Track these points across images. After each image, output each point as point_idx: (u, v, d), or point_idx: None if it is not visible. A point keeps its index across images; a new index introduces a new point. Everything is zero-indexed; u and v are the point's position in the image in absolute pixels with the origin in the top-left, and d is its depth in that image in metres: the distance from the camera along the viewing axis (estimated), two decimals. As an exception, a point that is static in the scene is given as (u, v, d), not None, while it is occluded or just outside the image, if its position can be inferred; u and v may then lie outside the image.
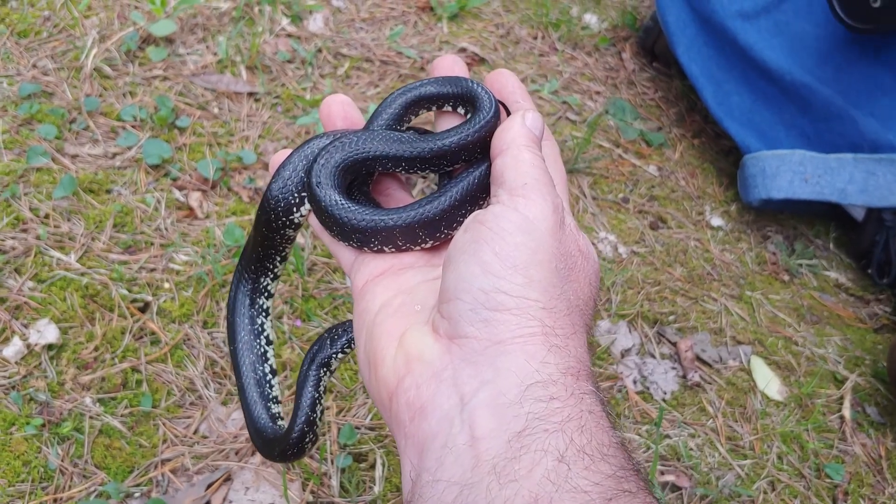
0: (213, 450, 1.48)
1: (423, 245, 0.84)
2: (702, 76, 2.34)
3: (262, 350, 1.05)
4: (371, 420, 1.57)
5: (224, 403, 1.55)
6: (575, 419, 0.64)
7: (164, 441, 1.48)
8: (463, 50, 2.49)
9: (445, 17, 2.59)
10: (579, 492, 0.59)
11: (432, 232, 0.82)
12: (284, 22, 2.38)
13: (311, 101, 2.20)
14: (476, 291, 0.70)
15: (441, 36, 2.53)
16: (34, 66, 2.07)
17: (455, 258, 0.74)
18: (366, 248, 0.84)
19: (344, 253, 0.88)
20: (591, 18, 2.76)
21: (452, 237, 0.78)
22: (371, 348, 0.78)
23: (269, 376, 1.05)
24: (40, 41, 2.14)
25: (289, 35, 2.37)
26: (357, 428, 1.55)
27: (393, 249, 0.83)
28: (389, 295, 0.82)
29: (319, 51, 2.33)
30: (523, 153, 0.77)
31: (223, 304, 1.70)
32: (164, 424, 1.50)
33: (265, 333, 1.05)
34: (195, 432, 1.51)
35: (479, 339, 0.69)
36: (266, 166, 2.02)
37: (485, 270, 0.71)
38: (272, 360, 1.06)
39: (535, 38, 2.64)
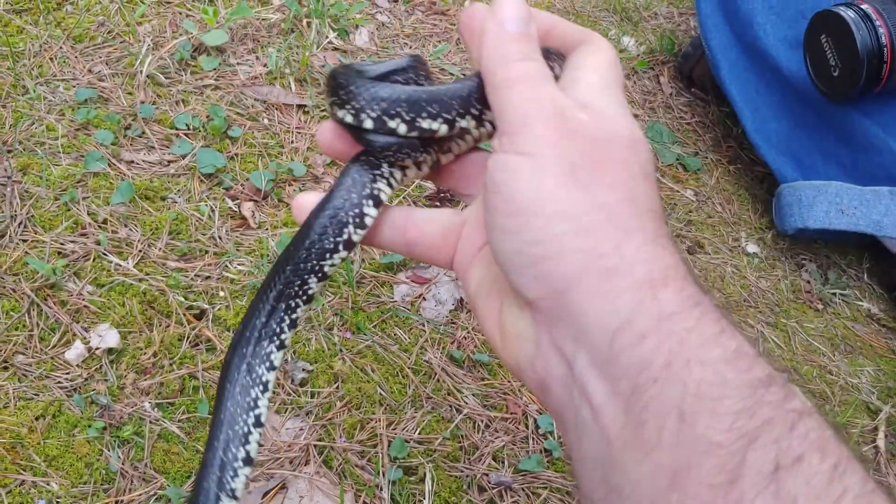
0: (269, 458, 1.52)
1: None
2: (741, 100, 2.37)
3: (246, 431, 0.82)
4: (420, 434, 1.61)
5: (278, 412, 1.58)
6: (677, 353, 0.56)
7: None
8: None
9: (487, 35, 2.62)
10: (712, 446, 0.54)
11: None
12: (332, 35, 2.42)
13: (358, 115, 2.23)
14: (510, 254, 0.66)
15: (483, 54, 2.56)
16: (89, 70, 2.11)
17: (487, 228, 0.69)
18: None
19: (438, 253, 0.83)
20: (628, 41, 2.80)
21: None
22: (488, 336, 0.77)
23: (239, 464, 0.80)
24: (95, 46, 2.18)
25: (335, 49, 2.41)
26: (406, 441, 1.58)
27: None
28: (481, 274, 0.78)
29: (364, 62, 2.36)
30: (510, 75, 0.68)
31: (276, 314, 1.73)
32: (220, 431, 1.53)
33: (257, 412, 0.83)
34: (250, 440, 1.54)
35: (544, 297, 0.64)
36: (316, 178, 2.05)
37: (504, 233, 0.66)
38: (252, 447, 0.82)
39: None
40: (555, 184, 0.65)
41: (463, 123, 0.75)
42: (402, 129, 0.74)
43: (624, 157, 0.68)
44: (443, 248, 0.82)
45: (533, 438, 1.65)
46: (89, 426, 1.48)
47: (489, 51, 0.70)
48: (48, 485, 1.39)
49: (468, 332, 1.81)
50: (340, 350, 1.71)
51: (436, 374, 1.72)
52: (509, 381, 1.74)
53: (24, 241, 1.71)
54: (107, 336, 1.59)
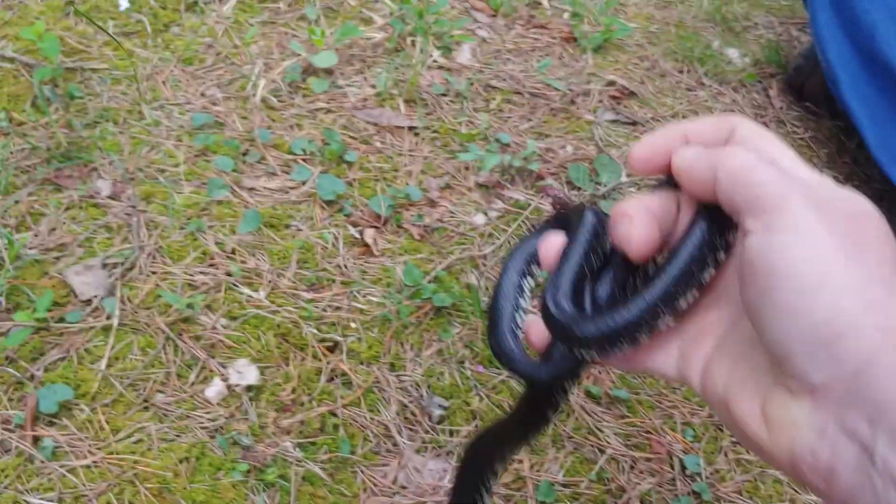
0: (413, 502, 1.47)
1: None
2: (863, 116, 2.27)
3: None
4: (564, 476, 1.55)
5: (419, 452, 1.54)
6: None
7: (364, 490, 1.47)
8: (612, 83, 2.46)
9: (590, 48, 2.56)
10: None
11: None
12: (436, 54, 2.37)
13: (467, 136, 2.18)
14: (795, 338, 0.63)
15: (587, 68, 2.50)
16: (202, 94, 2.08)
17: (758, 314, 0.66)
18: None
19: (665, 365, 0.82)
20: (733, 53, 2.71)
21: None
22: (746, 432, 0.73)
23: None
24: (206, 69, 2.15)
25: (440, 67, 2.36)
26: (551, 484, 1.53)
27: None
28: (726, 372, 0.77)
29: (471, 83, 2.31)
30: (746, 160, 0.66)
31: (408, 346, 1.69)
32: (362, 472, 1.49)
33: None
34: (394, 482, 1.49)
35: (834, 380, 0.62)
36: (431, 202, 2.01)
37: (789, 314, 0.63)
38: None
39: (681, 71, 2.60)
40: (832, 258, 0.62)
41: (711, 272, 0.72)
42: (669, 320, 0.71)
43: (877, 231, 0.66)
44: (658, 356, 0.76)
45: (680, 480, 1.58)
46: (233, 468, 1.45)
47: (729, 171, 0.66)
48: None
49: (604, 367, 1.75)
50: (475, 385, 1.66)
51: (574, 411, 1.66)
52: (650, 419, 1.68)
53: (154, 273, 1.69)
54: (246, 372, 1.55)
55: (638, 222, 0.73)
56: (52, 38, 1.90)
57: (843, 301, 0.61)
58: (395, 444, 1.55)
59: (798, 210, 0.64)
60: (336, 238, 1.85)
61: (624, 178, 2.17)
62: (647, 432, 1.66)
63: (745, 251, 0.66)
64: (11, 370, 1.49)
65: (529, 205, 2.04)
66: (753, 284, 0.65)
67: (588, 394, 1.69)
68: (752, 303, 0.66)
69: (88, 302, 1.61)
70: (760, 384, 0.69)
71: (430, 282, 1.78)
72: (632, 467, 1.60)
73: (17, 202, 1.74)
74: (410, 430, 1.58)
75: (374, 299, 1.75)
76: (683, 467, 1.61)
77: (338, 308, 1.72)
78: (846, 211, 0.65)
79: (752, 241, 0.65)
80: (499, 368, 1.69)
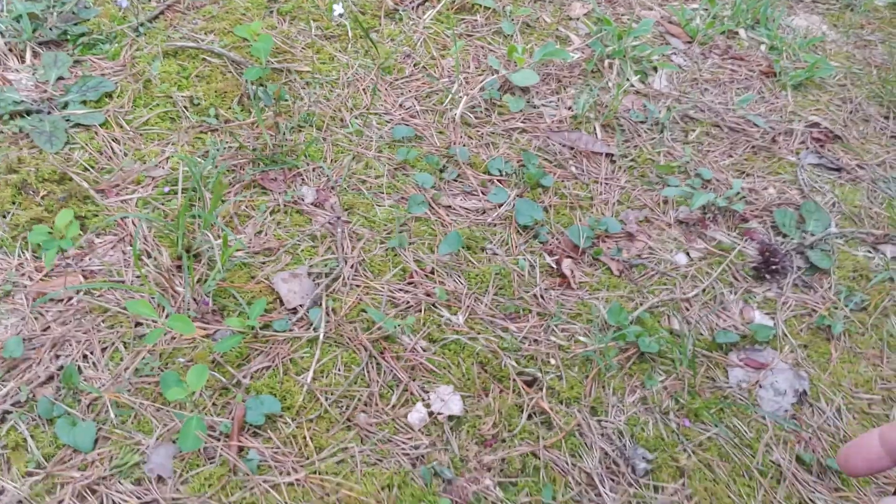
0: (618, 559, 1.38)
1: None
2: None
3: None
4: (779, 550, 1.43)
5: (621, 506, 1.44)
6: None
7: (566, 540, 1.39)
8: (815, 125, 2.31)
9: (790, 85, 2.42)
10: None
11: None
12: (634, 79, 2.28)
13: (666, 167, 2.08)
14: None
15: (788, 106, 2.36)
16: (401, 105, 2.05)
17: None
18: None
19: None
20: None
21: None
22: None
23: None
24: (404, 79, 2.12)
25: (637, 92, 2.26)
26: (765, 557, 1.41)
27: None
28: None
29: (669, 112, 2.21)
30: None
31: (610, 391, 1.60)
32: (563, 521, 1.41)
33: None
34: (597, 535, 1.41)
35: None
36: (630, 236, 1.91)
37: None
38: None
39: (886, 117, 2.42)
40: None
41: None
42: None
43: None
44: None
45: (907, 571, 1.43)
46: (435, 502, 1.39)
47: None
48: (397, 562, 1.30)
49: (814, 432, 1.62)
50: (681, 440, 1.55)
51: (785, 478, 1.53)
52: (866, 495, 1.53)
53: (357, 286, 1.65)
54: (450, 401, 1.49)
55: None
56: (268, 38, 1.89)
57: None
58: (597, 494, 1.46)
59: None
60: (532, 266, 1.78)
61: (833, 229, 2.02)
62: (867, 512, 1.52)
63: None
64: (218, 374, 1.47)
65: (734, 248, 1.92)
66: None
67: (799, 460, 1.57)
68: None
69: (295, 311, 1.58)
70: None
71: (632, 324, 1.69)
72: (851, 550, 1.46)
73: (223, 201, 1.73)
74: (613, 480, 1.48)
75: (576, 334, 1.66)
76: (910, 557, 1.46)
77: (536, 341, 1.65)
78: None
79: None
80: (705, 424, 1.59)
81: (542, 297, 1.73)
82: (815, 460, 1.57)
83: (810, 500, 1.51)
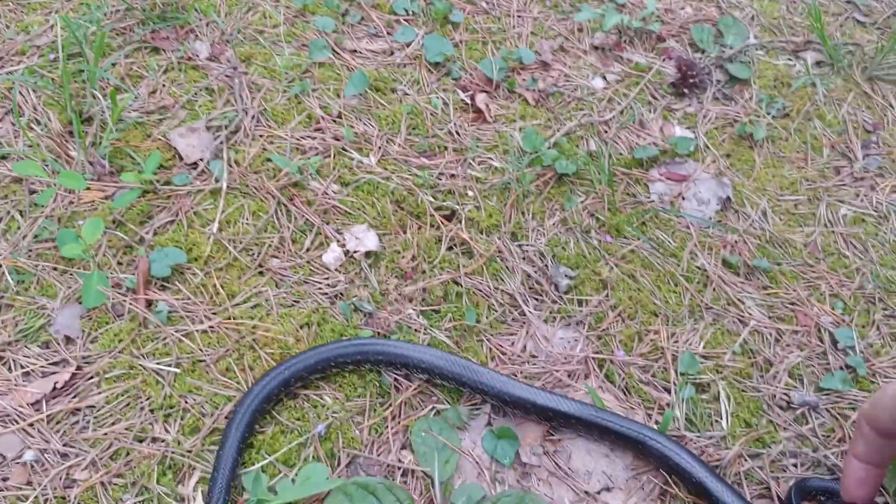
0: (544, 370, 1.37)
1: None
2: None
3: None
4: (705, 348, 1.43)
5: (546, 321, 1.44)
6: None
7: (492, 358, 1.38)
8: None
9: None
10: None
11: None
12: None
13: (579, -3, 2.00)
14: None
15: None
16: (296, -46, 1.94)
17: None
18: None
19: None
20: None
21: None
22: None
23: None
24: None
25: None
26: (693, 356, 1.41)
27: None
28: None
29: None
30: None
31: (530, 216, 1.57)
32: (488, 340, 1.40)
33: None
34: (523, 350, 1.40)
35: None
36: (545, 66, 1.85)
37: None
38: None
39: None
40: None
41: None
42: None
43: None
44: None
45: (832, 354, 1.46)
46: (357, 335, 1.36)
47: None
48: (321, 398, 1.29)
49: (740, 235, 1.61)
50: (603, 255, 1.54)
51: (711, 281, 1.53)
52: (795, 290, 1.54)
53: (260, 136, 1.59)
54: (365, 238, 1.46)
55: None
56: None
57: None
58: (521, 314, 1.44)
59: None
60: (446, 103, 1.72)
61: (752, 41, 1.98)
62: (793, 303, 1.53)
63: None
64: (120, 233, 1.41)
65: (651, 67, 1.87)
66: None
67: (725, 263, 1.56)
68: None
69: (195, 165, 1.52)
70: None
71: (549, 148, 1.65)
72: (777, 340, 1.47)
73: (114, 65, 1.64)
74: (537, 299, 1.47)
75: (493, 165, 1.63)
76: (834, 341, 1.48)
77: (453, 175, 1.61)
78: None
79: None
80: (628, 238, 1.57)
81: (457, 132, 1.68)
82: (742, 262, 1.57)
83: (738, 299, 1.52)
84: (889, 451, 1.07)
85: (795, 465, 1.31)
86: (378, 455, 1.24)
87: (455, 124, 1.69)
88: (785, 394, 1.40)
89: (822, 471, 1.30)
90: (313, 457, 1.21)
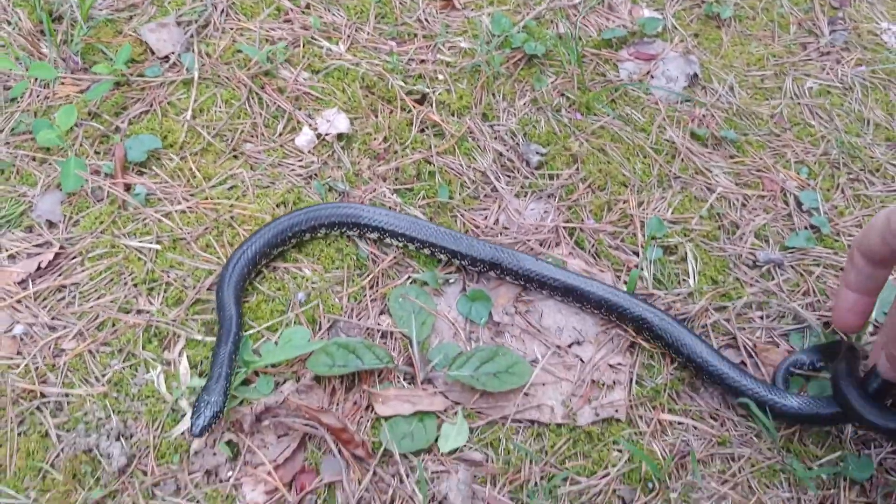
0: (517, 241, 1.41)
1: None
2: None
3: None
4: (673, 214, 1.47)
5: (517, 196, 1.47)
6: None
7: (466, 231, 1.42)
8: None
9: None
10: None
11: None
12: None
13: None
14: None
15: None
16: None
17: None
18: None
19: None
20: None
21: None
22: None
23: None
24: None
25: None
26: (660, 220, 1.45)
27: None
28: None
29: None
30: None
31: (500, 97, 1.59)
32: (462, 215, 1.44)
33: None
34: (495, 223, 1.44)
35: None
36: (513, -44, 1.86)
37: None
38: None
39: None
40: None
41: None
42: None
43: None
44: None
45: (796, 215, 1.50)
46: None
47: None
48: (300, 270, 1.33)
49: (707, 109, 1.64)
50: (573, 132, 1.57)
51: (679, 152, 1.57)
52: (761, 158, 1.58)
53: (230, 28, 1.60)
54: (336, 120, 1.48)
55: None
56: None
57: None
58: (493, 190, 1.48)
59: None
60: (415, -7, 1.73)
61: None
62: (759, 170, 1.56)
63: None
64: (96, 124, 1.44)
65: (619, -48, 1.88)
66: None
67: (693, 135, 1.59)
68: None
69: (166, 58, 1.54)
70: None
71: (519, 32, 1.67)
72: (743, 204, 1.51)
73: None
74: (509, 176, 1.51)
75: (462, 47, 1.64)
76: (799, 203, 1.52)
77: (423, 61, 1.63)
78: None
79: None
80: (597, 115, 1.60)
81: (426, 20, 1.70)
82: (710, 134, 1.60)
83: (706, 168, 1.55)
84: (878, 280, 1.12)
85: (762, 317, 1.35)
86: (358, 319, 1.28)
87: (424, 12, 1.70)
88: (751, 253, 1.44)
89: (788, 320, 1.35)
90: (295, 322, 1.26)
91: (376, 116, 1.53)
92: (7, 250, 1.30)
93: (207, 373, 1.15)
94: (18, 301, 1.24)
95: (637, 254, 1.42)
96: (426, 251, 1.34)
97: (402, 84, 1.57)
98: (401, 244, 1.34)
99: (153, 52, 1.53)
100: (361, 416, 1.18)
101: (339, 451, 1.13)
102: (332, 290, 1.31)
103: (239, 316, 1.19)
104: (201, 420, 1.08)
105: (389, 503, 1.11)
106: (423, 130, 1.53)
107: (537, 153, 1.52)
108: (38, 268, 1.27)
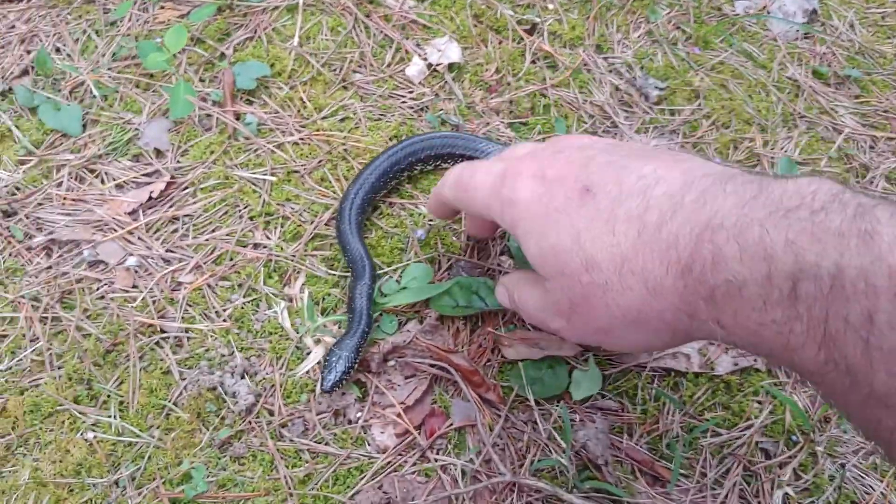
0: (639, 180, 1.34)
1: None
2: None
3: None
4: (800, 154, 1.40)
5: (638, 132, 1.40)
6: None
7: (584, 170, 1.35)
8: None
9: None
10: None
11: None
12: None
13: None
14: None
15: None
16: None
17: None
18: None
19: None
20: None
21: None
22: None
23: None
24: None
25: None
26: (790, 159, 1.38)
27: None
28: None
29: None
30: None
31: (614, 28, 1.51)
32: (579, 152, 1.36)
33: None
34: (615, 161, 1.36)
35: None
36: None
37: None
38: None
39: None
40: None
41: None
42: None
43: None
44: None
45: (931, 158, 1.42)
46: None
47: None
48: (417, 208, 1.27)
49: (828, 47, 1.55)
50: (692, 66, 1.49)
51: (803, 90, 1.48)
52: (888, 99, 1.49)
53: (332, -48, 1.52)
54: (447, 50, 1.41)
55: None
56: None
57: None
58: (613, 125, 1.41)
59: None
60: (518, -82, 1.64)
61: None
62: (885, 111, 1.48)
63: None
64: (200, 50, 1.38)
65: None
66: None
67: (816, 73, 1.51)
68: None
69: (268, -18, 1.46)
70: None
71: (630, -41, 1.58)
72: (871, 147, 1.43)
73: None
74: (627, 111, 1.43)
75: (572, -23, 1.56)
76: (933, 145, 1.44)
77: (531, -11, 1.54)
78: None
79: None
80: (716, 50, 1.51)
81: (531, -53, 1.61)
82: (833, 73, 1.52)
83: (831, 108, 1.47)
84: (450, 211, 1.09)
85: None
86: (479, 259, 1.22)
87: (530, -61, 1.61)
88: (883, 197, 1.36)
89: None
90: (414, 260, 1.20)
91: (486, 47, 1.45)
92: (115, 179, 1.25)
93: (344, 323, 1.10)
94: (130, 232, 1.20)
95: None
96: None
97: (512, 13, 1.49)
98: None
99: (254, -25, 1.46)
100: (488, 360, 1.13)
101: (470, 395, 1.09)
102: (450, 227, 1.25)
103: (370, 257, 1.14)
104: (332, 375, 1.03)
105: (525, 450, 1.06)
106: (534, 62, 1.46)
107: (656, 87, 1.45)
108: (150, 198, 1.22)
